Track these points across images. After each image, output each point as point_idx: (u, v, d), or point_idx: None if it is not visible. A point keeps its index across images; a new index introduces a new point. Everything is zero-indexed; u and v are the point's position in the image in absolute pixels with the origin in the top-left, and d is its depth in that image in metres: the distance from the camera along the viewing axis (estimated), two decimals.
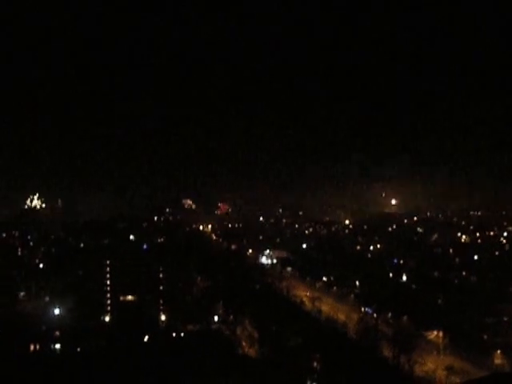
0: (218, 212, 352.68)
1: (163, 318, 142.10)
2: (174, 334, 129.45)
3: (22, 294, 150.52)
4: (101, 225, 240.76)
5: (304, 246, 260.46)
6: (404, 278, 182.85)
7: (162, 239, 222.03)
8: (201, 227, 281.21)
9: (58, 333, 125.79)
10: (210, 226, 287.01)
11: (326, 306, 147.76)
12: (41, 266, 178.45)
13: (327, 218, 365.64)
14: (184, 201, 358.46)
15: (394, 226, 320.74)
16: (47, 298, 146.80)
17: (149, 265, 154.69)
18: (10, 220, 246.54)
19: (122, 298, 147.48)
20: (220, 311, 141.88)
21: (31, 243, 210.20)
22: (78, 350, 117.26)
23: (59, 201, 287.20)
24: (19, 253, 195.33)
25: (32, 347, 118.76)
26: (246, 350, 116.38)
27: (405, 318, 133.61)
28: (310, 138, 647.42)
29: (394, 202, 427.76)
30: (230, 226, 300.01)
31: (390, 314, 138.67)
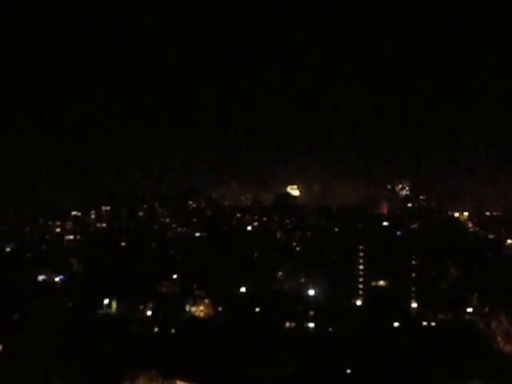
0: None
1: (414, 305, 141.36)
2: (424, 323, 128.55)
3: (279, 273, 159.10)
4: (355, 210, 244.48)
5: None
6: None
7: (416, 225, 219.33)
8: (456, 214, 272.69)
9: (312, 312, 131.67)
10: (465, 214, 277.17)
11: None
12: (297, 248, 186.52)
13: None
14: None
15: None
16: (303, 279, 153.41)
17: (402, 251, 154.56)
18: (271, 205, 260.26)
19: (373, 283, 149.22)
20: (474, 302, 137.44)
21: (289, 227, 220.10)
22: (330, 330, 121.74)
23: (315, 187, 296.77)
24: (278, 236, 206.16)
25: (288, 324, 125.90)
26: (501, 345, 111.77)
27: None
28: None
29: None
30: (487, 213, 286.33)
31: None
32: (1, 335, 79.09)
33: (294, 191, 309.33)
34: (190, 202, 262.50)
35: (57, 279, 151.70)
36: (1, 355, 78.62)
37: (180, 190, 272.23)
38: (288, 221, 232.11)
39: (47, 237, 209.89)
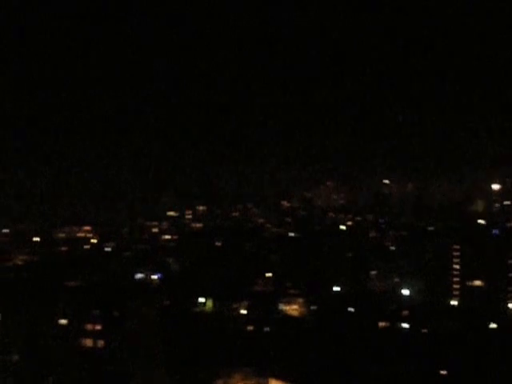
0: None
1: (511, 306, 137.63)
2: None
3: (373, 273, 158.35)
4: (451, 208, 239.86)
5: None
6: None
7: None
8: None
9: (406, 312, 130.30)
10: None
11: None
12: (391, 248, 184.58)
13: None
14: None
15: None
16: (396, 279, 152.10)
17: (498, 250, 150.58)
18: (366, 205, 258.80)
19: (469, 283, 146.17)
20: None
21: (383, 226, 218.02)
22: (425, 330, 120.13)
23: (409, 185, 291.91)
24: (372, 235, 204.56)
25: (381, 324, 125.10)
26: None
27: None
28: None
29: None
30: None
31: None
32: (102, 332, 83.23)
33: (387, 190, 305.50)
34: (284, 202, 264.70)
35: (154, 277, 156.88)
36: (101, 351, 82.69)
37: (274, 190, 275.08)
38: (382, 220, 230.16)
39: (145, 237, 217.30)
